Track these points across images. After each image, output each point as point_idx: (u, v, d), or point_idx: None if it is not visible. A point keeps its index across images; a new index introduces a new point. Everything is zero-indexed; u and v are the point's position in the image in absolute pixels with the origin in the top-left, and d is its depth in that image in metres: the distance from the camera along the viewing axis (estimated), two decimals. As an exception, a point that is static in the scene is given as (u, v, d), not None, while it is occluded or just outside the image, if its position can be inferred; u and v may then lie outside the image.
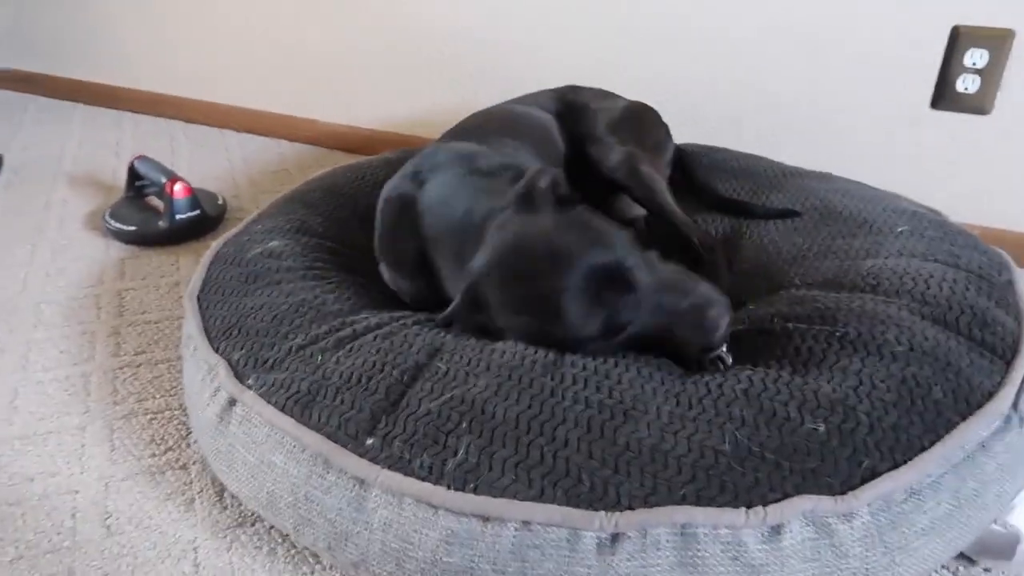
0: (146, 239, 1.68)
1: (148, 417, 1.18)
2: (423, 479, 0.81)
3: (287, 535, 0.96)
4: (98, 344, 1.36)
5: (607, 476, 0.79)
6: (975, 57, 1.48)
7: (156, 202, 1.75)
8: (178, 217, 1.67)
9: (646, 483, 0.79)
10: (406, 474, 0.82)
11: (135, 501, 1.03)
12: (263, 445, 0.92)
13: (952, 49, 1.50)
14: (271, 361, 1.01)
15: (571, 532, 0.77)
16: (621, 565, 0.76)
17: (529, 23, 1.92)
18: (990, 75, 1.48)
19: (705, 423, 0.85)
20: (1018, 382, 0.93)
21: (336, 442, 0.87)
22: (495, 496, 0.79)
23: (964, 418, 0.87)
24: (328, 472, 0.86)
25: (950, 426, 0.86)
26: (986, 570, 0.95)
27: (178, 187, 1.66)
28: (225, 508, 1.02)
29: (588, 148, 1.43)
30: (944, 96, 1.54)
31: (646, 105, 1.59)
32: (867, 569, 0.80)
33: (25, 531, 0.98)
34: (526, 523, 0.77)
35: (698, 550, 0.76)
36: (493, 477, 0.80)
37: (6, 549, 0.96)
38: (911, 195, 1.40)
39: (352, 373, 0.95)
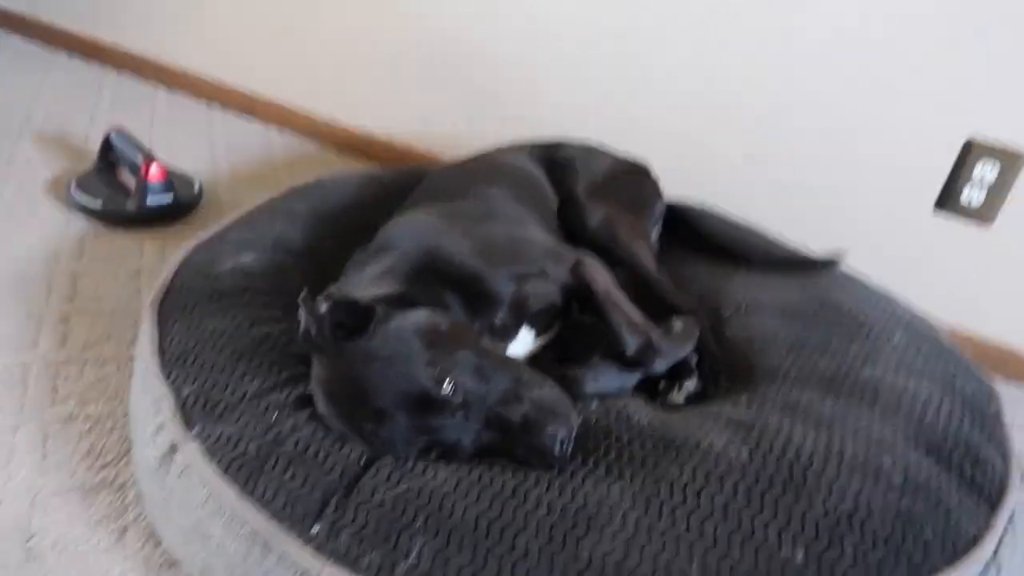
0: (112, 219, 1.59)
1: (88, 424, 1.11)
2: (370, 581, 0.76)
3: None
4: (44, 331, 1.28)
5: (568, 596, 0.75)
6: (984, 170, 1.48)
7: (127, 178, 1.66)
8: (149, 201, 1.58)
9: (609, 608, 0.75)
10: (352, 571, 0.76)
11: (62, 522, 0.96)
12: (200, 510, 0.85)
13: (963, 160, 1.49)
14: (222, 407, 0.94)
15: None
16: None
17: (551, 50, 1.87)
18: (997, 190, 1.48)
19: (674, 539, 0.80)
20: (1000, 529, 0.91)
21: (280, 523, 0.81)
22: (447, 611, 0.74)
23: (949, 563, 0.84)
24: (268, 556, 0.80)
25: (933, 571, 0.83)
26: None
27: (154, 170, 1.57)
28: (159, 544, 0.95)
29: (567, 212, 1.38)
30: (948, 202, 1.54)
31: (635, 162, 1.55)
32: None
33: (-65, 547, 0.91)
34: (477, 642, 0.73)
35: None
36: (447, 588, 0.75)
37: (-91, 567, 0.89)
38: (903, 291, 1.39)
39: (309, 445, 0.88)
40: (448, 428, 0.87)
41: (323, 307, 0.89)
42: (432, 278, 1.06)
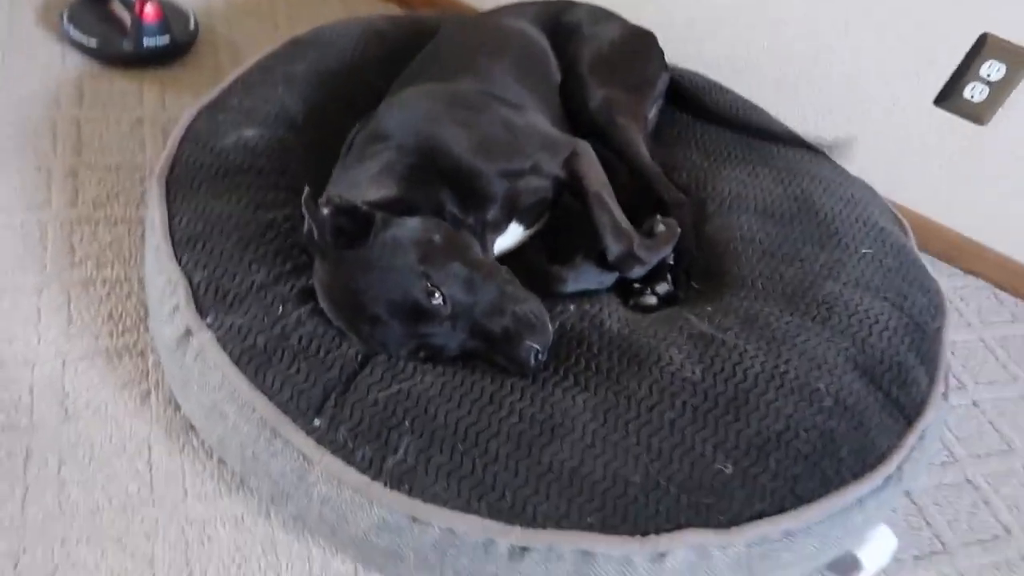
0: (108, 59, 1.57)
1: (106, 288, 1.21)
2: (363, 471, 0.89)
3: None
4: (55, 187, 1.33)
5: (527, 495, 0.88)
6: (991, 69, 1.45)
7: (121, 11, 1.61)
8: (146, 43, 1.56)
9: (560, 506, 0.88)
10: (347, 463, 0.89)
11: (92, 385, 1.09)
12: (216, 392, 0.97)
13: (973, 55, 1.46)
14: (231, 297, 1.02)
15: (488, 539, 0.87)
16: (527, 569, 0.88)
17: None
18: (999, 90, 1.47)
19: (623, 450, 0.93)
20: (910, 446, 1.04)
21: (286, 414, 0.93)
22: (425, 501, 0.87)
23: (856, 478, 0.98)
24: (275, 439, 0.93)
25: (841, 484, 0.97)
26: (825, 577, 1.13)
27: (149, 9, 1.53)
28: (179, 409, 1.08)
29: (569, 86, 1.38)
30: (949, 96, 1.53)
31: (642, 32, 1.52)
32: (729, 583, 0.95)
33: (-16, 401, 1.04)
34: (450, 529, 0.87)
35: (593, 565, 0.88)
36: (427, 482, 0.88)
37: (-35, 419, 1.02)
38: (885, 178, 1.43)
39: (311, 340, 0.98)
40: (437, 335, 0.97)
41: (325, 211, 0.95)
42: (429, 176, 1.10)
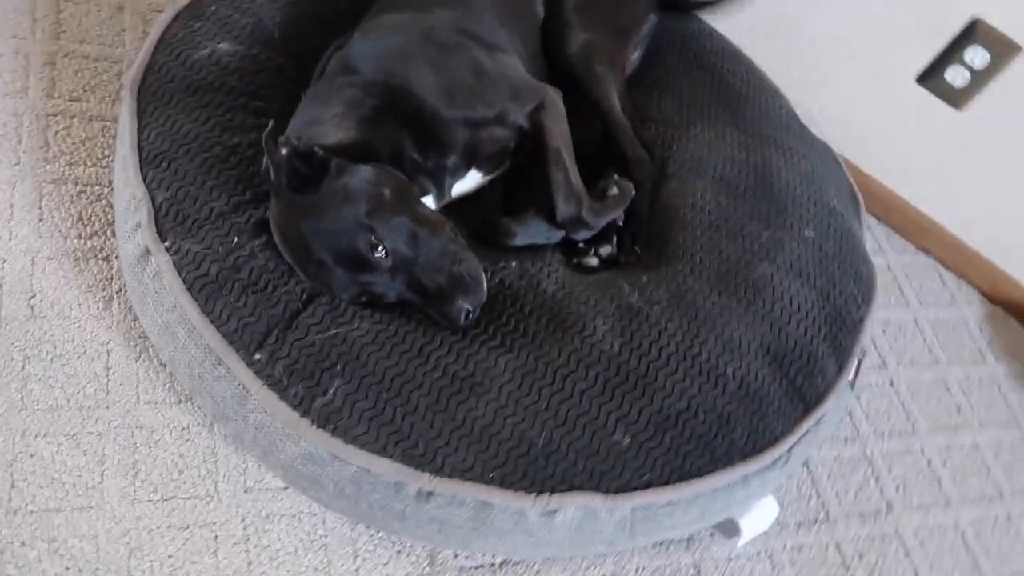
0: (93, -67, 1.54)
1: (78, 188, 1.26)
2: (293, 407, 0.98)
3: (186, 362, 1.14)
4: (32, 74, 1.35)
5: (439, 446, 0.98)
6: (976, 55, 1.44)
7: None
8: (130, -79, 1.52)
9: (467, 460, 0.98)
10: (281, 398, 0.98)
11: (58, 286, 1.17)
12: (169, 314, 1.04)
13: (962, 39, 1.44)
14: (190, 222, 1.08)
15: (399, 482, 0.98)
16: (431, 510, 0.99)
17: None
18: (980, 78, 1.46)
19: (532, 414, 1.02)
20: (803, 431, 1.14)
21: (231, 344, 1.01)
22: (346, 442, 0.97)
23: (744, 458, 1.08)
24: (219, 366, 1.01)
25: (729, 463, 1.07)
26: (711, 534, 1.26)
27: None
28: (136, 319, 1.16)
29: (552, 25, 1.37)
30: (931, 77, 1.52)
31: None
32: (611, 540, 1.07)
33: (-46, 293, 1.12)
34: (366, 468, 0.98)
35: (491, 514, 1.00)
36: (350, 424, 0.98)
37: (-64, 310, 1.10)
38: (856, 146, 1.44)
39: (261, 275, 1.05)
40: (376, 284, 1.03)
41: (283, 152, 0.99)
42: (391, 118, 1.13)
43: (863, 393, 1.48)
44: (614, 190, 1.26)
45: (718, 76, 1.55)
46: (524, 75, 1.27)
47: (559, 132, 1.23)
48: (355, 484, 0.99)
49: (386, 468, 0.98)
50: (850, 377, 1.23)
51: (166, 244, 1.07)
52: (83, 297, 1.17)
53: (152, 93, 1.20)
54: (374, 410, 1.00)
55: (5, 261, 1.16)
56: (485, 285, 1.06)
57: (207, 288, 1.04)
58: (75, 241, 1.21)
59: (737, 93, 1.52)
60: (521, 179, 1.28)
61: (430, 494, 0.98)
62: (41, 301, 1.14)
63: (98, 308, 1.16)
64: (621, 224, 1.28)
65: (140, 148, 1.15)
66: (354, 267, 1.01)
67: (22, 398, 1.06)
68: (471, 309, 1.04)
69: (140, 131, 1.17)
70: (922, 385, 1.52)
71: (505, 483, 0.99)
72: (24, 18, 1.40)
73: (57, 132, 1.30)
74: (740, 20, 1.67)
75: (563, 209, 1.18)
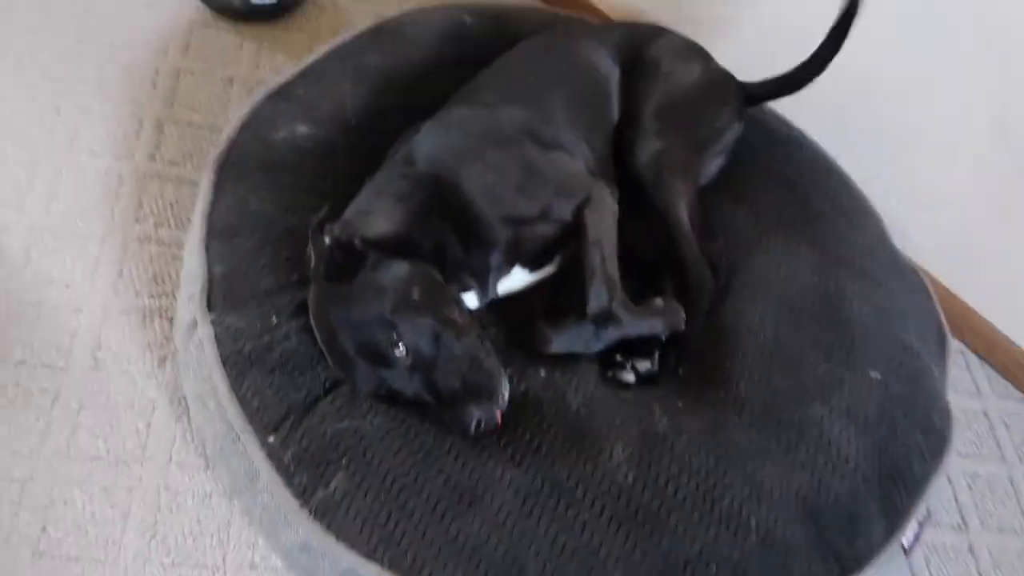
0: (219, 9, 1.68)
1: (159, 248, 1.36)
2: (296, 496, 0.99)
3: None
4: (142, 137, 1.48)
5: (427, 559, 0.96)
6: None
7: (244, -39, 1.70)
8: (254, 1, 1.65)
9: (452, 578, 0.97)
10: (286, 484, 1.00)
11: (122, 340, 1.25)
12: (204, 384, 1.10)
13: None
14: (238, 297, 1.13)
15: (384, 586, 0.98)
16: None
17: None
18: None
19: (530, 539, 0.98)
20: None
21: (250, 423, 1.04)
22: (338, 539, 0.97)
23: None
24: (237, 443, 1.05)
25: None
26: None
27: (259, -30, 1.62)
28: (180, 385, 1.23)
29: (626, 129, 1.35)
30: None
31: (723, 78, 1.45)
32: None
33: (34, 336, 1.23)
34: (354, 570, 0.98)
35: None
36: (344, 522, 0.98)
37: (14, 349, 1.21)
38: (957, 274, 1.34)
39: (291, 358, 1.08)
40: (395, 380, 1.04)
41: (326, 240, 1.03)
42: (437, 213, 1.16)
43: (933, 556, 1.33)
44: (659, 304, 1.22)
45: (802, 190, 1.48)
46: (575, 170, 1.27)
47: (602, 225, 1.21)
48: (345, 580, 1.00)
49: (371, 572, 0.97)
50: (906, 542, 1.12)
51: (212, 317, 1.13)
52: (142, 353, 1.25)
53: (231, 168, 1.28)
54: (370, 511, 1.00)
55: (81, 311, 1.26)
56: (502, 396, 1.05)
57: (239, 364, 1.09)
58: (146, 299, 1.30)
59: (819, 211, 1.45)
60: (565, 285, 1.27)
61: (411, 600, 0.97)
62: (105, 353, 1.24)
63: (152, 366, 1.24)
64: (665, 340, 1.24)
65: (210, 221, 1.23)
66: (374, 361, 1.03)
67: (69, 445, 1.15)
68: (483, 418, 1.03)
69: (213, 204, 1.25)
70: (1008, 555, 1.35)
71: (486, 608, 0.97)
72: (146, 85, 1.55)
73: (151, 193, 1.42)
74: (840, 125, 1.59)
75: (594, 299, 1.16)
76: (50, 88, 1.49)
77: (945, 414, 1.24)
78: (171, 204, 1.41)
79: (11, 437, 1.14)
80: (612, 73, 1.40)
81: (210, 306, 1.14)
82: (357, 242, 1.05)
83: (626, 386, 1.20)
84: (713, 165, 1.45)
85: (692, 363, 1.24)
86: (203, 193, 1.26)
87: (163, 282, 1.33)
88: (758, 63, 1.65)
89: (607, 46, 1.43)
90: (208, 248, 1.20)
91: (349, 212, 1.17)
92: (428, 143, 1.23)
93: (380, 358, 1.02)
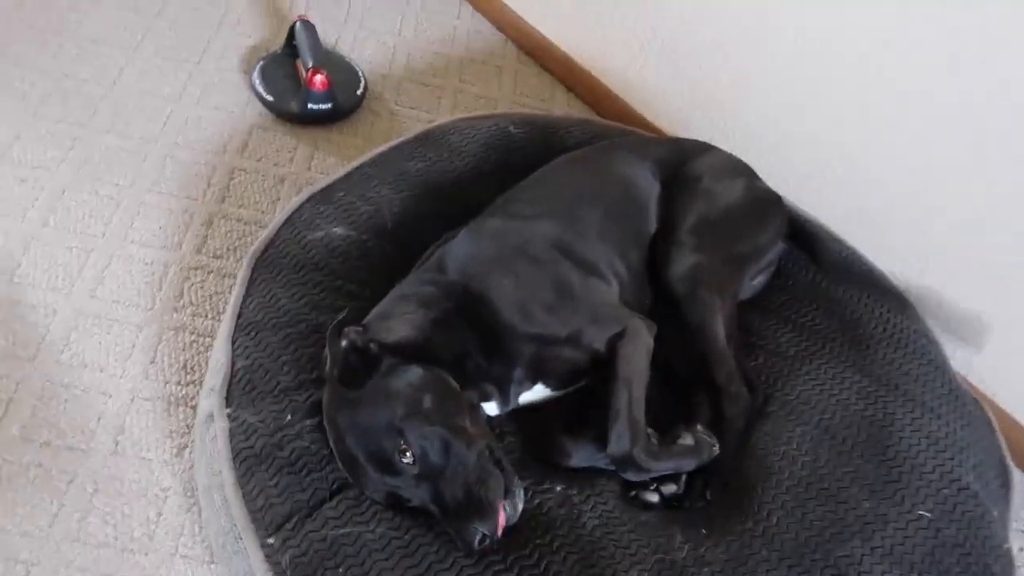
0: (279, 114, 1.77)
1: (192, 337, 1.38)
2: (286, 604, 0.97)
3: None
4: (191, 231, 1.54)
5: None
6: None
7: (302, 71, 1.80)
8: (309, 106, 1.73)
9: None
10: None
11: (145, 427, 1.26)
12: (214, 477, 1.09)
13: None
14: (256, 392, 1.14)
15: None
16: None
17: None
18: None
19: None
20: None
21: (253, 522, 1.02)
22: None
23: None
24: (239, 541, 1.03)
25: None
26: None
27: (318, 79, 1.70)
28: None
29: (659, 246, 1.33)
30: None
31: (767, 198, 1.43)
32: None
33: (61, 419, 1.25)
34: None
35: None
36: (332, 638, 0.94)
37: (40, 431, 1.23)
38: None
39: (300, 457, 1.07)
40: (402, 488, 1.01)
41: (343, 343, 1.03)
42: (462, 321, 1.15)
43: None
44: (688, 440, 1.16)
45: (851, 310, 1.42)
46: (612, 301, 1.25)
47: (635, 362, 1.17)
48: None
49: None
50: None
51: (228, 411, 1.13)
52: (162, 441, 1.25)
53: (266, 266, 1.31)
54: (359, 628, 0.96)
55: (110, 396, 1.28)
56: (502, 515, 1.00)
57: (248, 460, 1.08)
58: (174, 387, 1.32)
59: (870, 333, 1.38)
60: (591, 398, 1.23)
61: None
62: (127, 439, 1.24)
63: (171, 454, 1.24)
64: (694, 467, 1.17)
65: (239, 315, 1.25)
66: (382, 468, 1.01)
67: (79, 530, 1.14)
68: (485, 535, 0.98)
69: (245, 298, 1.27)
70: None
71: None
72: (199, 182, 1.62)
73: (193, 284, 1.46)
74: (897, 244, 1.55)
75: (615, 444, 1.11)
76: (112, 182, 1.58)
77: (1007, 561, 1.14)
78: (210, 296, 1.44)
79: (25, 518, 1.14)
80: (651, 188, 1.39)
81: (228, 400, 1.15)
82: (373, 346, 1.05)
83: (649, 506, 1.14)
84: (755, 283, 1.42)
85: (722, 487, 1.17)
86: (237, 287, 1.29)
87: (192, 371, 1.34)
88: (805, 181, 1.66)
89: (649, 161, 1.43)
90: (234, 341, 1.22)
91: (372, 315, 1.17)
92: (460, 252, 1.24)
93: (387, 465, 1.00)
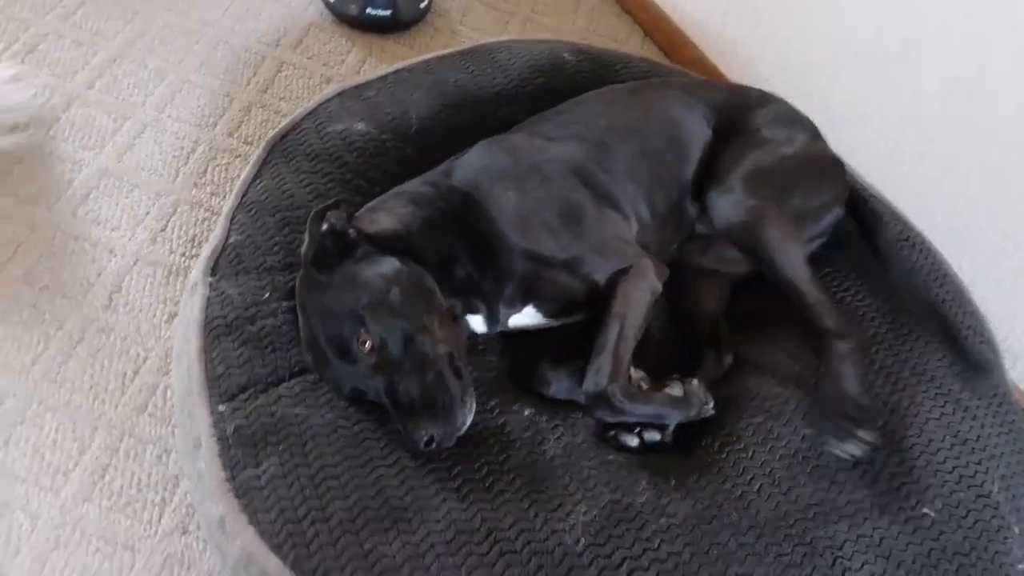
0: (338, 16, 1.75)
1: (206, 214, 1.40)
2: (224, 468, 0.93)
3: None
4: (227, 115, 1.53)
5: (331, 568, 0.86)
6: None
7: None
8: (368, 11, 1.70)
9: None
10: (219, 455, 0.94)
11: (142, 290, 1.28)
12: (186, 343, 1.06)
13: None
14: (241, 267, 1.10)
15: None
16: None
17: None
18: None
19: (438, 569, 0.87)
20: None
21: (207, 388, 0.99)
22: (250, 522, 0.89)
23: None
24: (193, 406, 1.00)
25: None
26: None
27: (377, -17, 1.67)
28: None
29: (710, 197, 1.21)
30: None
31: (827, 158, 1.29)
32: None
33: (64, 268, 1.26)
34: (253, 556, 0.88)
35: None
36: (261, 507, 0.90)
37: (43, 276, 1.24)
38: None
39: (269, 333, 1.04)
40: (356, 376, 0.97)
41: (323, 227, 1.01)
42: (454, 226, 1.09)
43: None
44: (676, 390, 1.08)
45: (899, 295, 1.28)
46: (624, 236, 1.16)
47: (633, 301, 1.09)
48: (246, 571, 0.91)
49: (274, 568, 0.88)
50: None
51: (211, 280, 1.11)
52: (155, 306, 1.26)
53: (282, 151, 1.29)
54: (290, 504, 0.92)
55: (115, 256, 1.30)
56: (461, 420, 0.95)
57: (218, 329, 1.06)
58: (178, 257, 1.32)
59: (916, 321, 1.24)
60: (583, 332, 1.15)
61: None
62: (121, 297, 1.25)
63: (160, 320, 1.25)
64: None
65: (244, 193, 1.23)
66: (339, 354, 0.97)
67: (57, 373, 1.16)
68: (436, 437, 0.93)
69: (253, 179, 1.25)
70: None
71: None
72: (247, 70, 1.62)
73: (218, 165, 1.45)
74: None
75: (591, 376, 1.04)
76: (163, 57, 1.59)
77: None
78: (232, 179, 1.44)
79: (10, 353, 1.17)
80: (700, 134, 1.27)
81: (214, 270, 1.13)
82: (352, 232, 1.02)
83: (623, 449, 1.06)
84: (812, 247, 1.27)
85: (709, 441, 1.08)
86: (249, 167, 1.27)
87: (198, 246, 1.34)
88: (877, 158, 1.52)
89: (704, 104, 1.30)
90: (233, 217, 1.20)
91: (364, 208, 1.13)
92: (471, 161, 1.18)
93: (346, 352, 0.96)
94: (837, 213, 1.29)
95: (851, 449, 1.02)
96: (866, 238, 1.30)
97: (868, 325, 1.25)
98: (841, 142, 1.36)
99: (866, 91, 1.55)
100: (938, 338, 1.22)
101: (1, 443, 1.09)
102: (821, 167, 1.30)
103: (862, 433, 1.02)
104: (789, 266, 1.16)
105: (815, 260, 1.31)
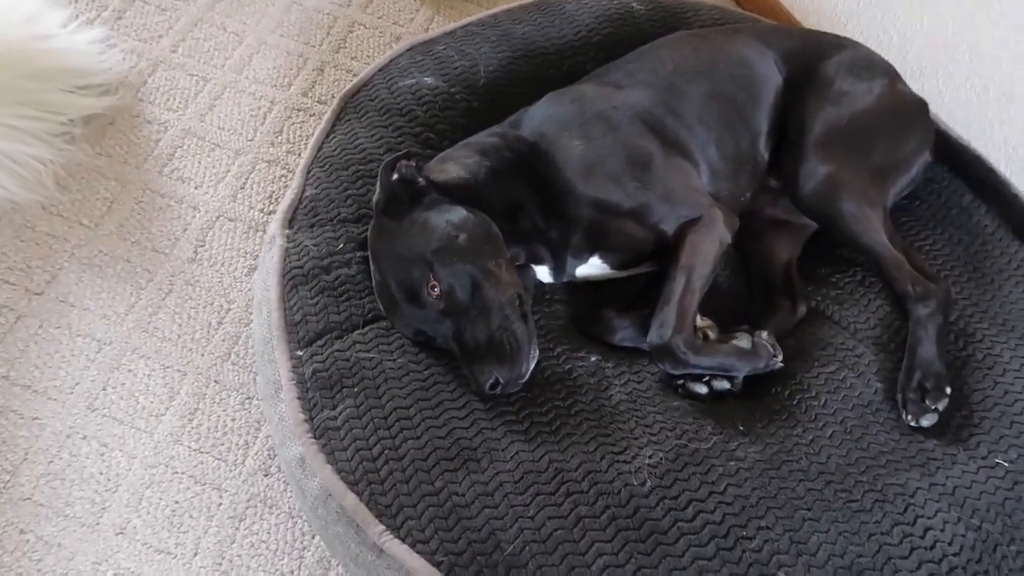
0: (410, -29, 1.76)
1: (282, 172, 1.45)
2: (302, 410, 0.98)
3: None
4: (302, 75, 1.57)
5: (405, 505, 0.91)
6: None
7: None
8: (439, -33, 1.71)
9: (427, 532, 0.89)
10: (298, 397, 0.99)
11: (224, 244, 1.34)
12: (265, 293, 1.10)
13: None
14: (317, 219, 1.15)
15: (357, 524, 0.91)
16: (379, 568, 0.91)
17: None
18: None
19: (515, 516, 0.90)
20: None
21: (287, 334, 1.04)
22: (326, 461, 0.94)
23: None
24: (273, 351, 1.05)
25: None
26: None
27: (448, -61, 1.67)
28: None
29: (784, 163, 1.20)
30: None
31: (910, 101, 1.25)
32: None
33: (153, 224, 1.33)
34: (330, 493, 0.93)
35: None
36: (338, 447, 0.95)
37: (134, 231, 1.32)
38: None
39: (345, 282, 1.08)
40: (425, 321, 1.01)
41: (394, 176, 1.04)
42: (522, 176, 1.10)
43: None
44: (744, 342, 1.07)
45: (981, 242, 1.25)
46: (694, 185, 1.15)
47: (701, 252, 1.08)
48: (325, 507, 0.96)
49: (351, 504, 0.93)
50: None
51: (288, 232, 1.16)
52: (236, 259, 1.32)
53: (354, 107, 1.32)
54: (365, 443, 0.96)
55: (198, 212, 1.36)
56: (526, 365, 0.97)
57: (296, 279, 1.10)
58: (257, 213, 1.37)
59: (1000, 269, 1.22)
60: (650, 281, 1.15)
61: (381, 550, 0.91)
62: (206, 250, 1.32)
63: (242, 272, 1.30)
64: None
65: (319, 149, 1.27)
66: (409, 299, 1.00)
67: (149, 322, 1.23)
68: (501, 381, 0.95)
69: (328, 134, 1.29)
70: None
71: (452, 570, 0.88)
72: (319, 30, 1.65)
73: (293, 124, 1.50)
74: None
75: (655, 327, 1.04)
76: (240, 20, 1.64)
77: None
78: (307, 136, 1.48)
79: (106, 303, 1.24)
80: (772, 78, 1.25)
81: (291, 223, 1.18)
82: (421, 180, 1.04)
83: (691, 396, 1.07)
84: (895, 194, 1.24)
85: (778, 389, 1.08)
86: (324, 123, 1.31)
87: (276, 202, 1.39)
88: (964, 101, 1.45)
89: (774, 49, 1.27)
90: (309, 171, 1.24)
91: (434, 159, 1.15)
92: (538, 111, 1.19)
93: (415, 297, 1.00)
94: (924, 159, 1.25)
95: (924, 422, 1.02)
96: (961, 176, 1.28)
97: (948, 274, 1.22)
98: (924, 88, 1.30)
99: (950, 29, 1.47)
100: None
101: (100, 388, 1.17)
102: (903, 114, 1.25)
103: (932, 403, 1.02)
104: (866, 234, 1.14)
105: (896, 210, 1.30)
